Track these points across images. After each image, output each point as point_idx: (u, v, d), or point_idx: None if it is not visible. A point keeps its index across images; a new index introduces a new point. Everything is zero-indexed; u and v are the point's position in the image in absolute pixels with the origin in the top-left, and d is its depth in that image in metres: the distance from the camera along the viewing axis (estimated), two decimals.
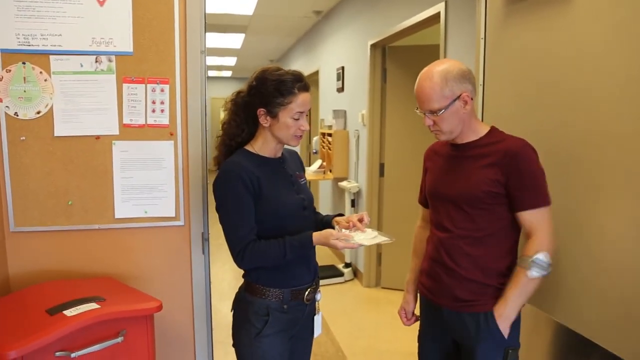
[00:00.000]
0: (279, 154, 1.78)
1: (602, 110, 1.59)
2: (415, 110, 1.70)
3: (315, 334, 1.86)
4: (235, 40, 7.98)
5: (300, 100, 1.65)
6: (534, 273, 1.55)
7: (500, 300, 1.61)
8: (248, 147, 1.73)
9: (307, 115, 1.69)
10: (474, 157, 1.67)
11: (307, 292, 1.75)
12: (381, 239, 1.68)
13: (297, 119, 1.66)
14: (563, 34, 1.76)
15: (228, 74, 13.17)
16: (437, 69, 1.61)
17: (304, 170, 1.92)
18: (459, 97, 1.60)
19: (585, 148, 1.66)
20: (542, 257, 1.55)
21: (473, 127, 1.69)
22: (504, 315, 1.59)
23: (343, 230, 1.70)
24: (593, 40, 1.62)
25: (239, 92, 1.77)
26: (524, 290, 1.58)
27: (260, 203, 1.64)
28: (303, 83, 1.66)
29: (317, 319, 1.85)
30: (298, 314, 1.75)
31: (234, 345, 1.76)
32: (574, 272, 1.71)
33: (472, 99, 1.63)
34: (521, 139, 1.62)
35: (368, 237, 1.67)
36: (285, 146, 1.79)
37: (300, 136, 1.70)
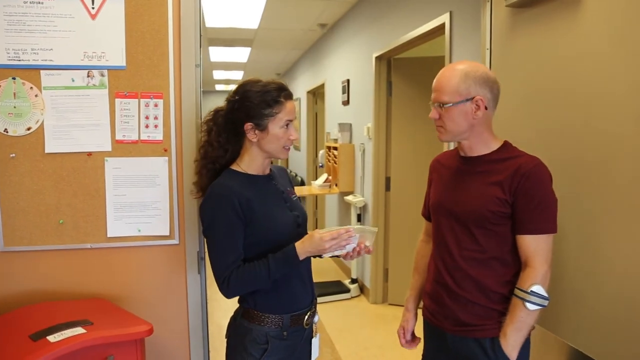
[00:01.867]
0: (267, 171, 1.70)
1: (610, 119, 1.53)
2: (429, 103, 1.62)
3: (313, 358, 1.77)
4: (241, 54, 7.98)
5: (288, 108, 1.59)
6: (532, 306, 1.46)
7: (501, 335, 1.52)
8: (234, 167, 1.65)
9: (293, 125, 1.64)
10: (482, 172, 1.58)
11: (307, 316, 1.67)
12: (367, 230, 1.59)
13: (287, 128, 1.59)
14: (570, 44, 1.71)
15: (234, 87, 13.22)
16: (462, 65, 1.55)
17: (293, 187, 1.84)
18: (472, 99, 1.52)
19: (594, 157, 1.59)
20: (538, 289, 1.46)
21: (485, 139, 1.59)
22: (507, 352, 1.50)
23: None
24: (600, 49, 1.57)
25: (217, 110, 1.69)
26: (523, 324, 1.49)
27: (253, 224, 1.56)
28: (287, 91, 1.61)
29: (315, 342, 1.76)
30: (297, 339, 1.67)
31: None
32: (584, 294, 1.64)
33: (486, 107, 1.54)
34: (535, 158, 1.53)
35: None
36: (273, 164, 1.73)
37: (289, 148, 1.64)
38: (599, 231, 1.57)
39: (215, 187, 1.58)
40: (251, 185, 1.61)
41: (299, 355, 1.71)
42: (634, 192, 1.44)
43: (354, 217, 4.90)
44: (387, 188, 4.56)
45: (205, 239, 1.63)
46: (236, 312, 1.70)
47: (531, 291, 1.46)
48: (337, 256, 1.61)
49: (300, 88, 8.61)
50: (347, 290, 4.91)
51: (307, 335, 1.71)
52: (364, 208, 4.88)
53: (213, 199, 1.56)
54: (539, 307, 1.47)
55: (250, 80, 1.62)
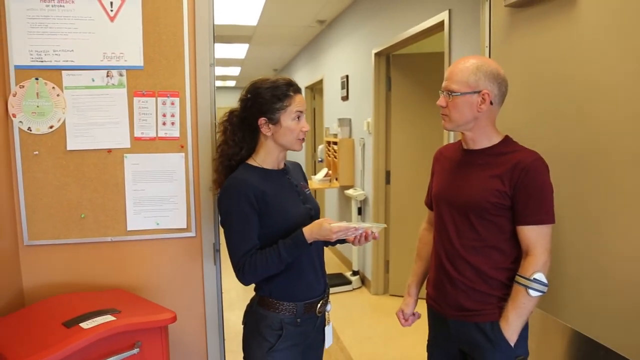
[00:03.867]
0: (282, 165, 1.79)
1: (607, 115, 1.61)
2: (440, 91, 1.70)
3: (327, 345, 1.86)
4: (239, 51, 8.03)
5: (297, 100, 1.69)
6: (534, 292, 1.55)
7: (502, 320, 1.61)
8: (250, 162, 1.74)
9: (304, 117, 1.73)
10: (483, 165, 1.66)
11: (319, 305, 1.75)
12: (375, 224, 1.68)
13: (298, 120, 1.69)
14: (569, 42, 1.78)
15: (232, 83, 13.24)
16: (475, 59, 1.64)
17: (307, 181, 1.93)
18: (479, 92, 1.60)
19: (592, 153, 1.67)
20: (539, 276, 1.55)
21: (487, 133, 1.67)
22: (507, 336, 1.59)
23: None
24: (599, 46, 1.64)
25: (232, 111, 1.78)
26: (525, 309, 1.58)
27: (268, 217, 1.64)
28: (295, 86, 1.72)
29: (328, 330, 1.85)
30: (310, 326, 1.75)
31: (244, 359, 1.76)
32: (585, 276, 1.73)
33: (492, 102, 1.61)
34: (534, 152, 1.61)
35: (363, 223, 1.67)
36: (288, 158, 1.81)
37: (303, 139, 1.73)
38: (598, 216, 1.66)
39: (230, 180, 1.67)
40: (266, 178, 1.69)
41: (312, 342, 1.79)
42: (633, 179, 1.52)
43: (354, 211, 5.00)
44: (387, 181, 4.66)
45: (222, 230, 1.72)
46: (252, 299, 1.78)
47: (533, 278, 1.54)
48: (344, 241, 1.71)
49: (298, 84, 8.66)
50: (349, 282, 5.01)
51: (319, 323, 1.80)
52: (364, 201, 4.98)
53: (229, 191, 1.65)
54: (540, 294, 1.56)
55: (260, 79, 1.72)
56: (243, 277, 1.63)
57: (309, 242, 1.61)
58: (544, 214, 1.57)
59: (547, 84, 1.89)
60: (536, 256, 1.56)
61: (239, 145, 1.75)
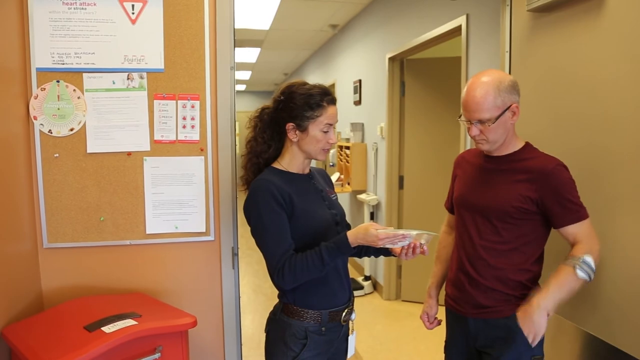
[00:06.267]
0: (307, 170, 1.77)
1: (635, 122, 1.59)
2: (458, 119, 1.69)
3: (349, 354, 1.82)
4: (251, 55, 8.05)
5: (329, 113, 1.65)
6: (581, 273, 1.52)
7: (541, 292, 1.56)
8: (276, 165, 1.72)
9: (334, 129, 1.70)
10: (506, 171, 1.68)
11: (344, 313, 1.72)
12: (425, 233, 1.56)
13: (326, 132, 1.66)
14: (592, 48, 1.76)
15: (242, 87, 13.28)
16: (489, 79, 1.60)
17: (333, 187, 1.90)
18: (509, 107, 1.60)
19: (614, 162, 1.67)
20: (589, 259, 1.53)
21: (511, 140, 1.69)
22: (542, 305, 1.53)
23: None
24: (626, 52, 1.62)
25: (263, 108, 1.75)
26: (568, 286, 1.54)
27: (294, 219, 1.61)
28: (331, 96, 1.67)
29: (351, 339, 1.82)
30: (334, 335, 1.72)
31: None
32: (599, 281, 1.71)
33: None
34: (554, 158, 1.63)
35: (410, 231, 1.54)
36: (313, 165, 1.79)
37: (328, 150, 1.70)
38: (613, 220, 1.66)
39: (256, 183, 1.64)
40: (291, 182, 1.67)
41: (336, 352, 1.76)
42: None
43: (366, 215, 4.98)
44: (401, 186, 4.64)
45: (254, 240, 1.65)
46: (276, 307, 1.74)
47: (583, 260, 1.53)
48: (389, 250, 1.66)
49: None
50: (361, 287, 4.98)
51: (344, 332, 1.77)
52: (377, 206, 4.96)
53: (256, 193, 1.61)
54: (587, 278, 1.52)
55: (297, 82, 1.69)
56: (283, 279, 1.56)
57: (352, 246, 1.53)
58: (578, 211, 1.59)
59: (570, 89, 1.87)
60: (587, 244, 1.57)
61: (267, 143, 1.73)
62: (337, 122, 1.70)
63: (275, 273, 1.57)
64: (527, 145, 1.71)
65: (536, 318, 1.52)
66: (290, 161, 1.72)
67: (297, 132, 1.66)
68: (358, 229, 1.54)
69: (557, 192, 1.58)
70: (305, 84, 1.68)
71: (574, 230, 1.58)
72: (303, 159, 1.72)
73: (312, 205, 1.69)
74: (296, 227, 1.62)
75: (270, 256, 1.58)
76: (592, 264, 1.53)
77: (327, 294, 1.68)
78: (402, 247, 1.59)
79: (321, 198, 1.75)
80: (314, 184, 1.76)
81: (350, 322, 1.79)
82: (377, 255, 1.72)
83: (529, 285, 1.65)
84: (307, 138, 1.66)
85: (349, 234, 1.54)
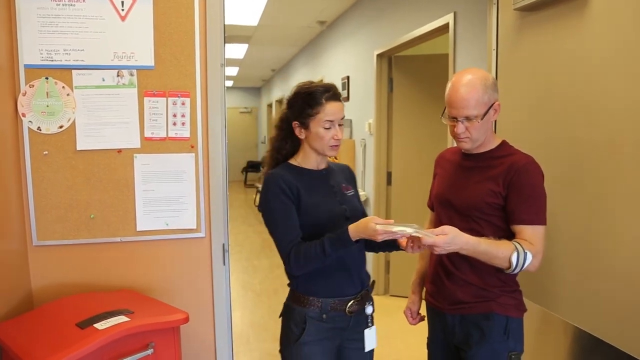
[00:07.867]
0: (322, 166, 1.81)
1: (616, 122, 1.62)
2: (441, 119, 1.71)
3: (368, 347, 1.83)
4: (238, 51, 8.03)
5: (328, 109, 1.69)
6: (514, 259, 1.54)
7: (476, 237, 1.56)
8: (291, 160, 1.80)
9: (340, 125, 1.72)
10: (481, 168, 1.71)
11: (349, 304, 1.74)
12: (423, 232, 1.54)
13: (329, 129, 1.69)
14: (576, 46, 1.79)
15: (229, 83, 13.23)
16: (474, 76, 1.62)
17: (354, 184, 1.92)
18: (492, 105, 1.64)
19: (597, 157, 1.70)
20: (529, 259, 1.55)
21: (489, 138, 1.72)
22: (470, 241, 1.53)
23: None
24: (607, 52, 1.65)
25: (284, 108, 1.84)
26: (494, 252, 1.55)
27: (301, 212, 1.68)
28: (331, 93, 1.70)
29: (369, 333, 1.83)
30: (342, 324, 1.75)
31: (280, 350, 1.80)
32: (582, 271, 1.76)
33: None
34: (529, 156, 1.65)
35: (408, 228, 1.53)
36: (337, 161, 1.81)
37: (337, 146, 1.73)
38: (602, 213, 1.68)
39: (266, 176, 1.73)
40: (303, 177, 1.74)
41: (352, 341, 1.79)
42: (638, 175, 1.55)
43: None
44: (389, 182, 4.67)
45: (266, 228, 1.74)
46: (288, 293, 1.83)
47: (525, 253, 1.54)
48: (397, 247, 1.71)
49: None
50: None
51: (353, 323, 1.78)
52: (365, 202, 4.98)
53: (266, 186, 1.71)
54: (512, 266, 1.54)
55: (303, 83, 1.77)
56: (290, 266, 1.67)
57: (353, 239, 1.57)
58: (534, 214, 1.61)
59: (556, 88, 1.90)
60: (535, 249, 1.58)
61: (284, 140, 1.81)
62: (341, 118, 1.73)
63: (285, 260, 1.68)
64: (504, 143, 1.73)
65: (456, 240, 1.51)
66: (304, 157, 1.78)
67: (302, 130, 1.73)
68: (359, 222, 1.58)
69: (521, 189, 1.60)
70: (312, 83, 1.75)
71: (527, 232, 1.59)
72: (315, 155, 1.77)
73: (320, 199, 1.74)
74: (304, 219, 1.69)
75: (280, 244, 1.69)
76: (527, 264, 1.56)
77: (329, 284, 1.73)
78: (407, 241, 1.63)
79: (332, 193, 1.79)
80: (327, 180, 1.80)
81: (366, 315, 1.81)
82: (384, 250, 1.80)
83: (506, 280, 1.67)
84: (311, 135, 1.72)
85: (351, 227, 1.58)
